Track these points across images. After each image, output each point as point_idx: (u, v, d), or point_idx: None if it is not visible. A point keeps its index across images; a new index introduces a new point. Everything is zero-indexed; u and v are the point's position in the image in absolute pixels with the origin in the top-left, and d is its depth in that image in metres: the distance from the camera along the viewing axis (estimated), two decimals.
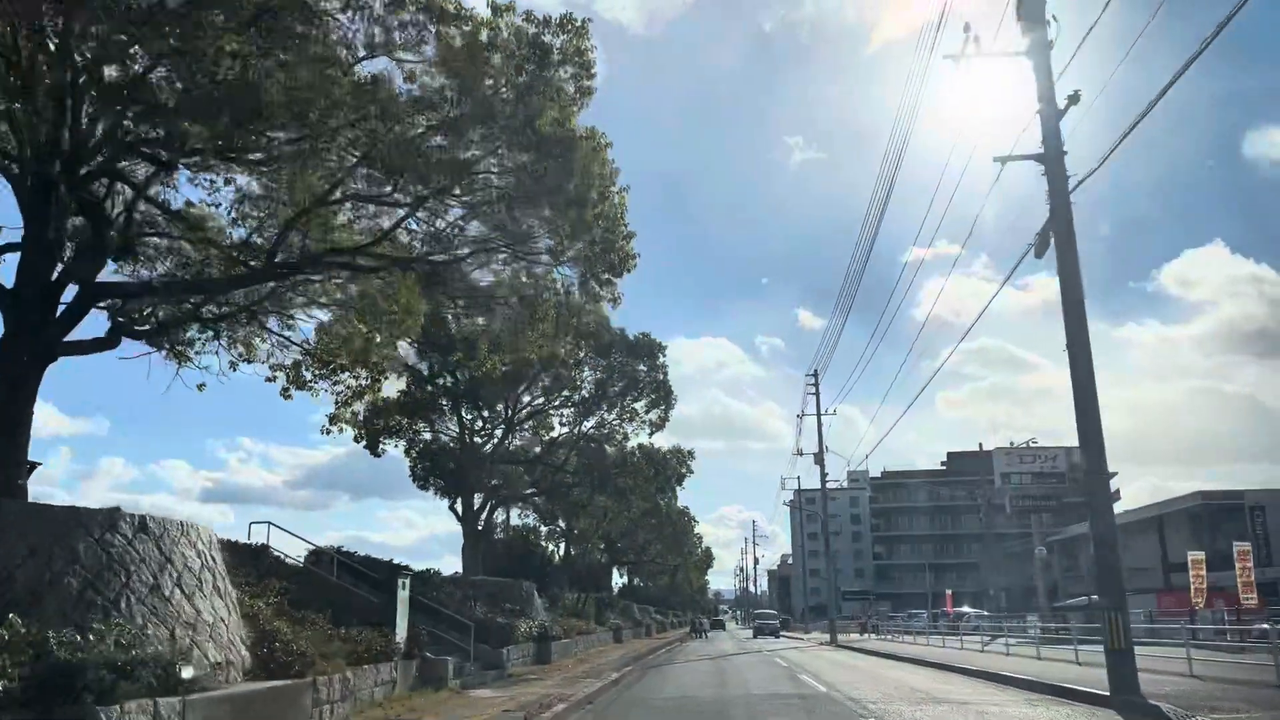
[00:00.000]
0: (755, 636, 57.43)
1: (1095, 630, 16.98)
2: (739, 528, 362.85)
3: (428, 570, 24.14)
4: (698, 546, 77.41)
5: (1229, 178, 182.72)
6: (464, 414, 29.40)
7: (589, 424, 31.18)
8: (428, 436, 29.58)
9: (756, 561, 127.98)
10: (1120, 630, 14.34)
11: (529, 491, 31.09)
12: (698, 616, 78.37)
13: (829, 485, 55.60)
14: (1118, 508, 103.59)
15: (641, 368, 30.44)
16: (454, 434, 29.52)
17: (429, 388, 28.52)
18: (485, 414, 29.92)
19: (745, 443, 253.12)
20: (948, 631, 44.30)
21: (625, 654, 31.70)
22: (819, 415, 54.53)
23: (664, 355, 30.90)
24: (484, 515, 29.97)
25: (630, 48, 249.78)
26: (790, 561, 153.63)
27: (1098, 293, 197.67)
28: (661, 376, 30.75)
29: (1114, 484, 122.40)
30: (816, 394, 54.93)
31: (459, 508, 29.12)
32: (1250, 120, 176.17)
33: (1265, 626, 28.51)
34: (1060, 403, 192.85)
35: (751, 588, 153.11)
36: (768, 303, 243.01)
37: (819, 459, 54.62)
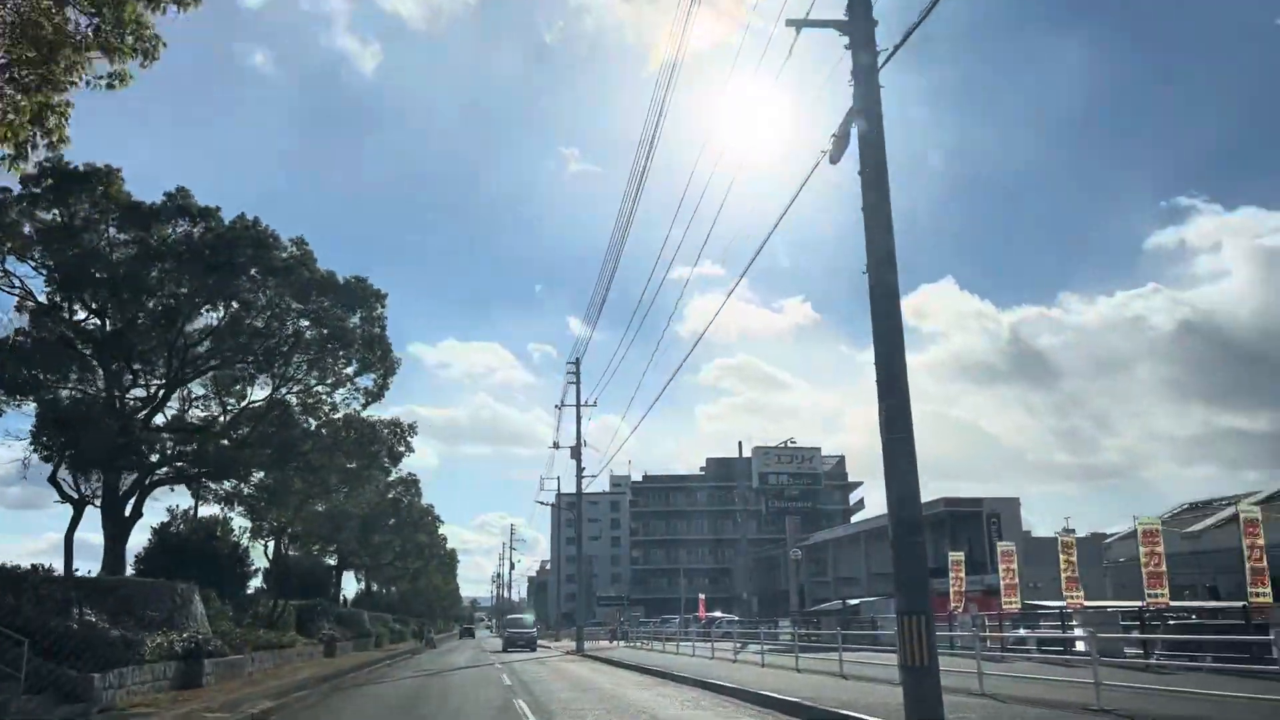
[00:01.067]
0: (506, 649, 49.80)
1: (854, 637, 13.73)
2: (503, 534, 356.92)
3: (14, 567, 17.83)
4: (441, 548, 71.38)
5: (960, 219, 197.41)
6: (109, 366, 22.68)
7: (284, 390, 25.11)
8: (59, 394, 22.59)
9: (512, 566, 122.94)
10: (923, 641, 10.67)
11: (195, 471, 24.59)
12: (428, 626, 71.95)
13: (589, 490, 52.00)
14: (862, 515, 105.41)
15: (355, 320, 24.78)
16: (92, 392, 22.70)
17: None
18: (137, 367, 23.32)
19: (513, 449, 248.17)
20: (699, 638, 42.21)
21: (321, 672, 26.04)
22: (579, 406, 50.70)
23: (383, 306, 25.41)
24: (133, 501, 23.38)
25: (410, 40, 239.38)
26: (549, 567, 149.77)
27: (844, 321, 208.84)
28: (379, 330, 25.21)
29: (859, 495, 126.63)
30: (577, 383, 51.06)
31: (88, 490, 22.51)
32: (978, 168, 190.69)
33: (1023, 632, 26.89)
34: (808, 422, 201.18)
35: (509, 594, 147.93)
36: (541, 309, 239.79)
37: (576, 453, 50.70)
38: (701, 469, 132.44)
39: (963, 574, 30.71)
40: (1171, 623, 21.30)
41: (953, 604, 30.88)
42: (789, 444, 54.73)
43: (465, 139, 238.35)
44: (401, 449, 30.46)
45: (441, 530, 72.12)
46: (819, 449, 56.86)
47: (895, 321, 11.86)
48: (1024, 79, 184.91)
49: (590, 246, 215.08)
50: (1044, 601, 31.69)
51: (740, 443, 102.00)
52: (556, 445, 51.41)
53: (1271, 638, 15.50)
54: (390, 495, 55.05)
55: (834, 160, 12.68)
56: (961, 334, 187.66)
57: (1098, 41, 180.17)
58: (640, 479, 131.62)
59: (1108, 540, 52.65)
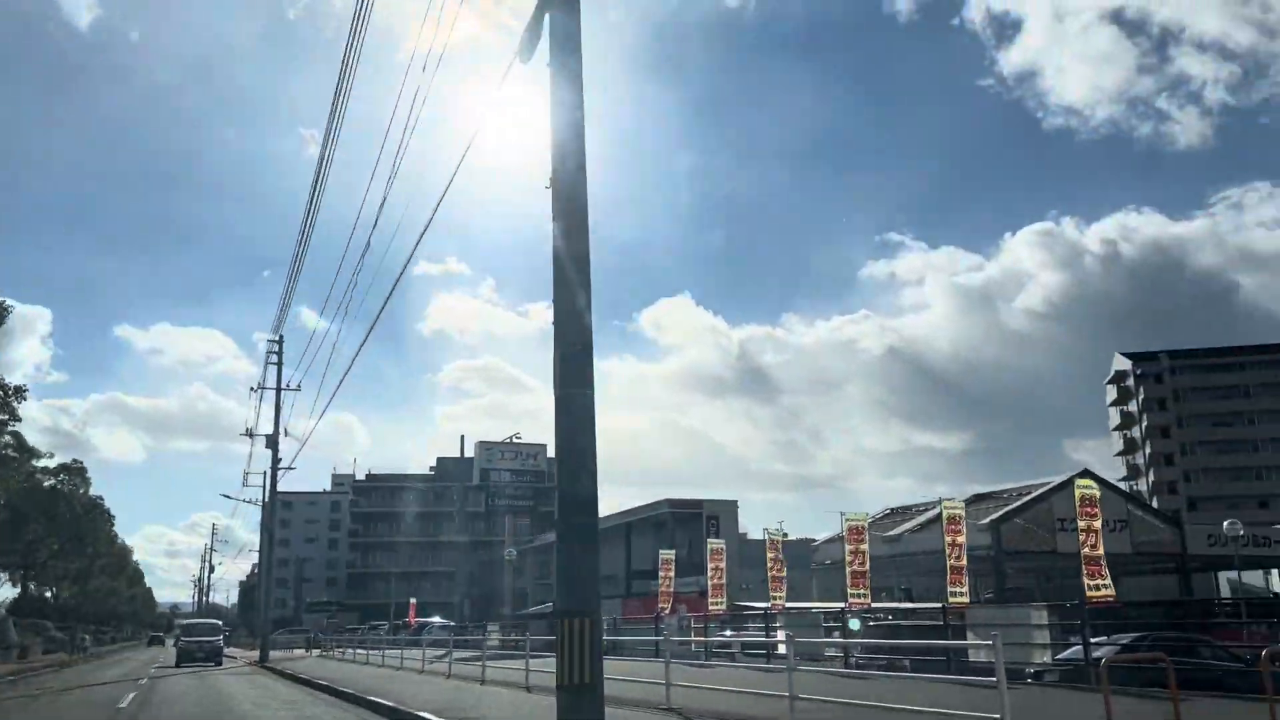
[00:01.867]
0: (181, 662, 40.11)
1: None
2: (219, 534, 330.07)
3: None
4: (109, 545, 62.96)
5: (701, 237, 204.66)
6: None
7: None
8: None
9: (212, 569, 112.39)
10: (585, 652, 8.30)
11: None
12: (81, 635, 62.97)
13: (306, 489, 47.17)
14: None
15: None
16: None
17: None
18: None
19: (233, 445, 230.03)
20: (409, 645, 38.90)
21: None
22: (279, 389, 45.73)
23: None
24: None
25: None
26: (259, 570, 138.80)
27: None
28: None
29: None
30: (279, 363, 46.03)
31: None
32: (719, 189, 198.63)
33: (729, 634, 25.74)
34: (549, 425, 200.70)
35: (210, 599, 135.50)
36: (270, 297, 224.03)
37: (272, 442, 45.63)
38: (431, 469, 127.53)
39: (672, 573, 29.44)
40: (871, 624, 20.63)
41: (661, 605, 29.51)
42: (514, 439, 52.31)
43: (194, 106, 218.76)
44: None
45: (113, 527, 63.44)
46: (545, 445, 54.88)
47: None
48: (765, 108, 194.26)
49: (325, 232, 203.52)
50: (752, 603, 30.99)
51: (463, 437, 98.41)
52: (250, 433, 46.04)
53: (969, 640, 14.64)
54: (48, 484, 47.39)
55: (524, 60, 10.22)
56: (696, 347, 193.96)
57: (827, 80, 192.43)
58: (364, 478, 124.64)
59: (816, 544, 54.01)
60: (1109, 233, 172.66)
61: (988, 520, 43.38)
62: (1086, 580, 15.99)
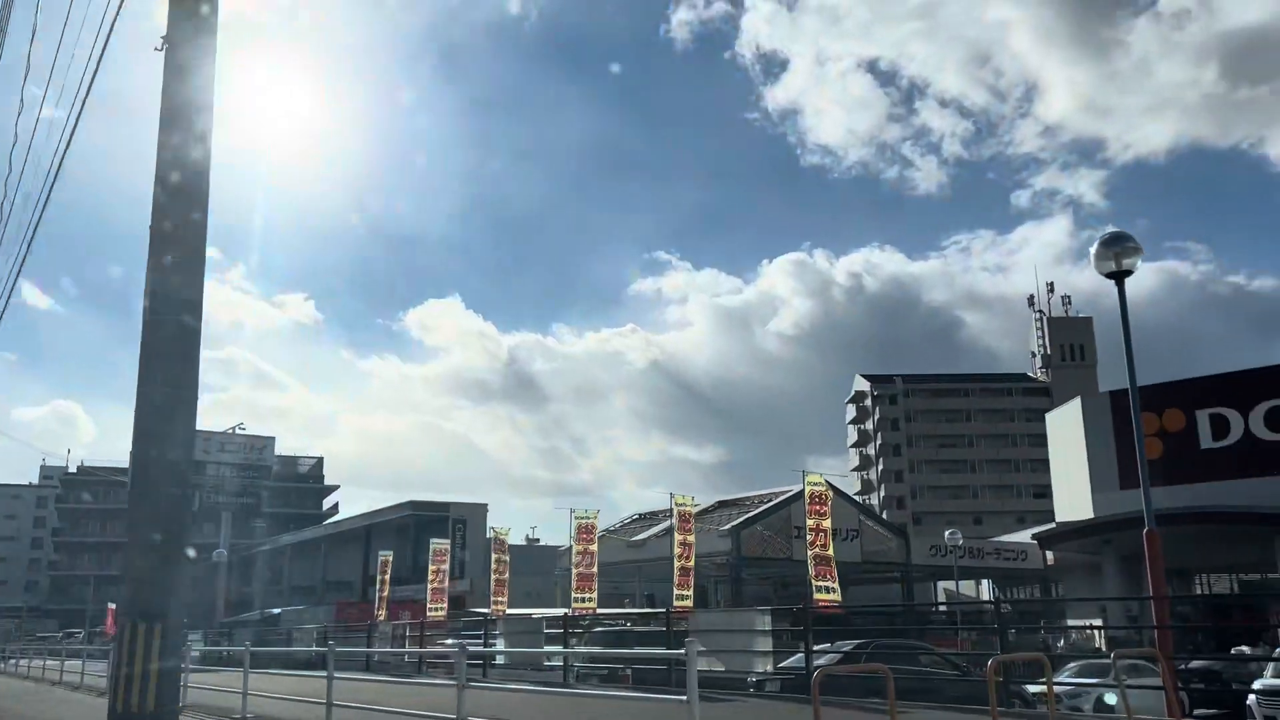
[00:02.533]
0: None
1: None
2: None
3: None
4: None
5: (475, 239, 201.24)
6: None
7: None
8: None
9: None
10: (145, 672, 6.00)
11: None
12: None
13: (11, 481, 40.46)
14: (333, 521, 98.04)
15: None
16: None
17: None
18: None
19: None
20: (95, 656, 34.04)
21: None
22: None
23: None
24: None
25: None
26: None
27: (348, 324, 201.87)
28: None
29: (334, 499, 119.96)
30: None
31: None
32: (497, 192, 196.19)
33: (450, 643, 23.53)
34: (298, 425, 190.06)
35: None
36: None
37: None
38: None
39: (388, 576, 26.91)
40: (597, 630, 19.15)
41: (377, 612, 26.88)
42: (236, 430, 47.60)
43: None
44: None
45: None
46: (274, 438, 50.58)
47: None
48: (542, 117, 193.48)
49: (55, 203, 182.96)
50: (478, 609, 28.91)
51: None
52: None
53: (684, 652, 13.31)
54: None
55: None
56: (464, 351, 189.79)
57: (604, 97, 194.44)
58: (74, 471, 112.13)
59: (562, 549, 52.65)
60: (855, 266, 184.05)
61: (729, 526, 43.63)
62: (814, 582, 15.25)
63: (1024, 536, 50.63)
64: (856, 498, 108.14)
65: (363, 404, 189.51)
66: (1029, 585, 52.86)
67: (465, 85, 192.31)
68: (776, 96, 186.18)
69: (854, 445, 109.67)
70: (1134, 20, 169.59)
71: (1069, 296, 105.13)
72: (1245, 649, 33.55)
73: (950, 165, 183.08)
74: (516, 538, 74.87)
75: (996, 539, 57.47)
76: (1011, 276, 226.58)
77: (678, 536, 19.28)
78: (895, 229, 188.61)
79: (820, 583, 15.43)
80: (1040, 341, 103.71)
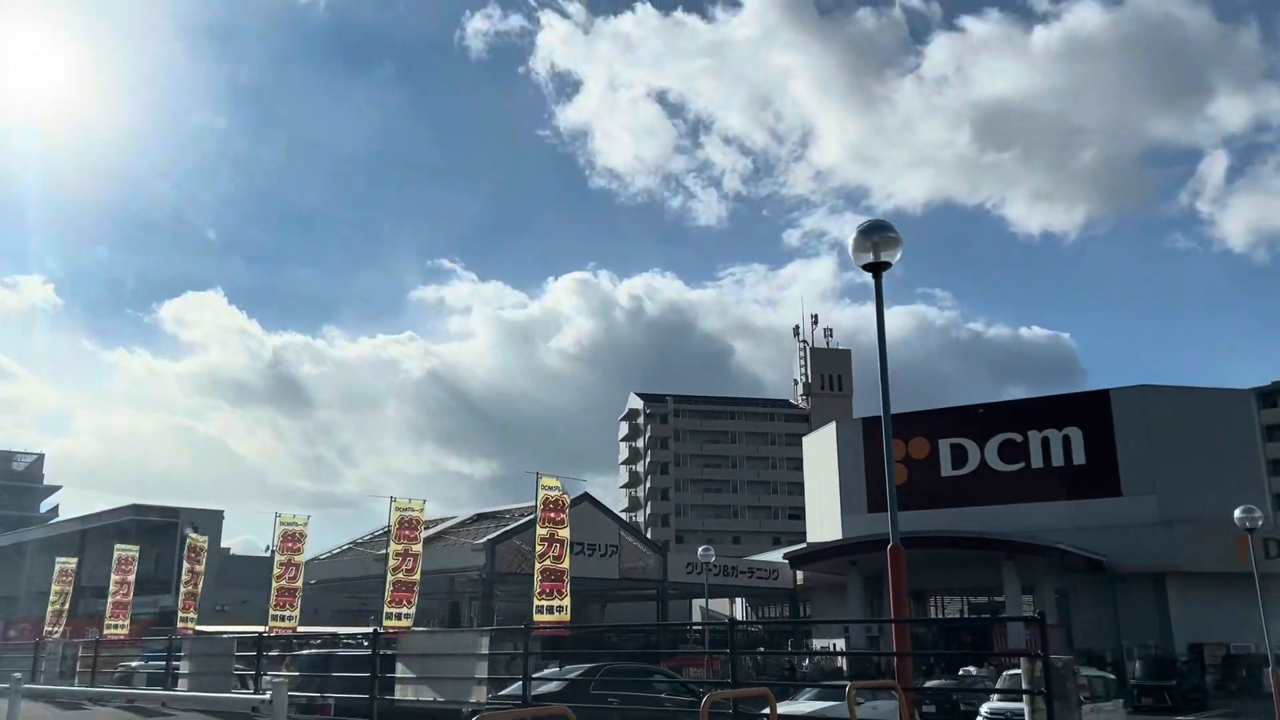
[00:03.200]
0: None
1: None
2: None
3: None
4: None
5: (245, 231, 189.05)
6: None
7: None
8: None
9: None
10: None
11: None
12: None
13: None
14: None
15: None
16: None
17: None
18: None
19: None
20: None
21: None
22: None
23: None
24: None
25: None
26: None
27: (92, 313, 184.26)
28: None
29: (54, 500, 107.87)
30: None
31: None
32: (273, 183, 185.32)
33: (136, 664, 20.29)
34: (27, 418, 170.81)
35: None
36: None
37: None
38: None
39: (69, 588, 23.09)
40: (302, 654, 16.73)
41: (48, 629, 22.96)
42: None
43: None
44: None
45: None
46: None
47: None
48: (325, 112, 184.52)
49: None
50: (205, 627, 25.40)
51: None
52: None
53: (399, 674, 11.40)
54: None
55: None
56: (222, 349, 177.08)
57: (392, 98, 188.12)
58: None
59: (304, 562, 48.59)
60: (637, 289, 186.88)
61: (484, 540, 41.65)
62: (538, 599, 13.62)
63: (777, 556, 51.56)
64: (624, 514, 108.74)
65: (104, 400, 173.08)
66: (780, 604, 53.87)
67: (241, 68, 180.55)
68: (568, 116, 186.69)
69: (625, 462, 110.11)
70: (901, 80, 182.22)
71: (831, 330, 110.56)
72: (973, 670, 34.94)
73: (730, 200, 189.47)
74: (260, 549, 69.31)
75: (750, 558, 58.43)
76: (780, 310, 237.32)
77: (396, 546, 17.17)
78: (676, 256, 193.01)
79: (545, 600, 13.82)
80: (802, 370, 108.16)
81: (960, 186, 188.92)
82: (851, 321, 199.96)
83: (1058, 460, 45.32)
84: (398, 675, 12.61)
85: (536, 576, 14.11)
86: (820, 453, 53.93)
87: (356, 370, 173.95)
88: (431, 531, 49.32)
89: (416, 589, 16.99)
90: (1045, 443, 45.70)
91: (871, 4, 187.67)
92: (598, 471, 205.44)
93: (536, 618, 13.55)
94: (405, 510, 18.00)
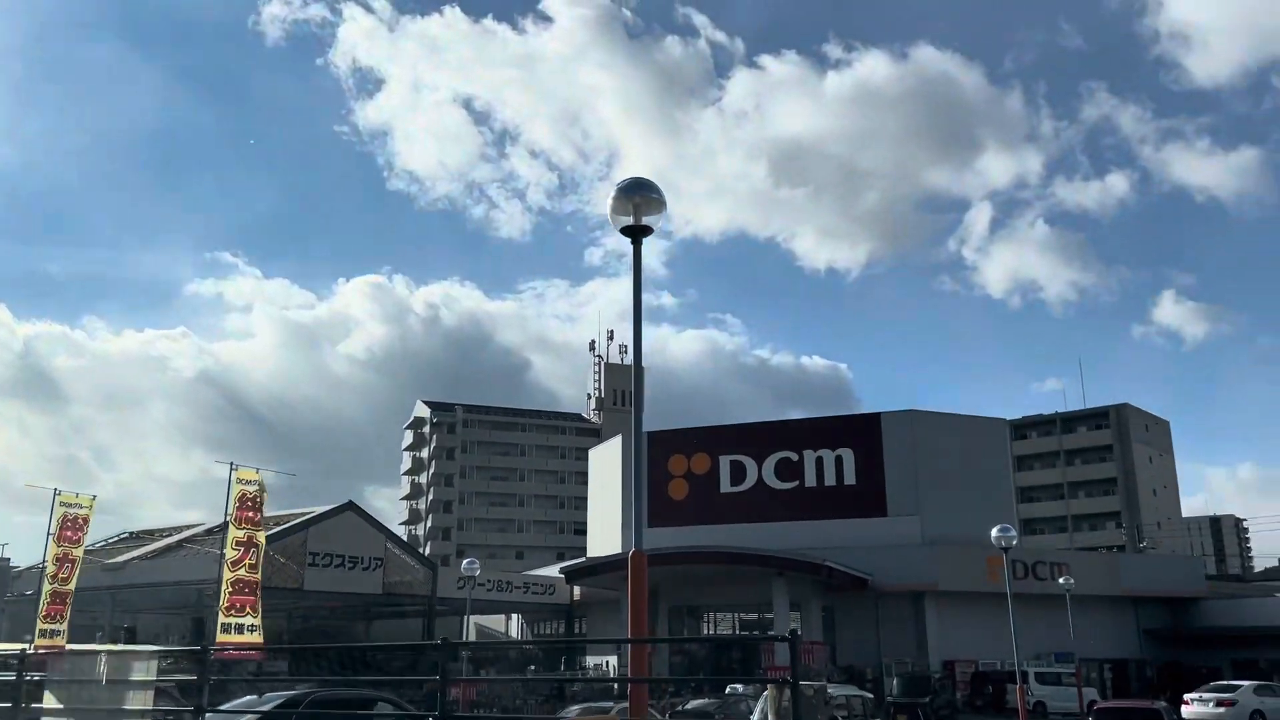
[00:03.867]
0: None
1: None
2: None
3: None
4: None
5: None
6: None
7: None
8: None
9: None
10: None
11: None
12: None
13: None
14: None
15: None
16: None
17: None
18: None
19: None
20: None
21: None
22: None
23: None
24: None
25: None
26: None
27: None
28: None
29: None
30: None
31: None
32: (21, 156, 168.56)
33: None
34: None
35: None
36: None
37: None
38: None
39: None
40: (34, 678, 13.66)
41: None
42: None
43: None
44: None
45: None
46: None
47: None
48: (108, 85, 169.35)
49: None
50: None
51: None
52: None
53: (45, 702, 9.07)
54: None
55: None
56: None
57: (172, 79, 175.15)
58: None
59: (17, 569, 42.91)
60: (434, 297, 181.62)
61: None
62: (224, 616, 11.43)
63: (554, 571, 50.22)
64: (404, 528, 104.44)
65: None
66: (556, 621, 52.48)
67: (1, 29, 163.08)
68: (369, 114, 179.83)
69: (407, 473, 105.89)
70: (704, 111, 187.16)
71: (625, 346, 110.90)
72: (739, 688, 34.67)
73: (534, 213, 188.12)
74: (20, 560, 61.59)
75: (527, 573, 56.83)
76: (580, 326, 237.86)
77: (55, 549, 14.31)
78: (476, 266, 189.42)
79: (233, 617, 11.64)
80: (596, 385, 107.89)
81: (754, 219, 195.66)
82: (649, 343, 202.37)
83: (830, 480, 46.40)
84: (44, 706, 10.18)
85: (225, 589, 11.87)
86: (605, 466, 53.12)
87: (119, 366, 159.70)
88: (172, 540, 44.79)
89: (70, 600, 14.02)
90: (819, 462, 46.71)
91: (679, 33, 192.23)
92: (384, 482, 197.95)
93: (222, 637, 11.36)
94: (71, 506, 15.01)
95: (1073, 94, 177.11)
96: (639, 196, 8.58)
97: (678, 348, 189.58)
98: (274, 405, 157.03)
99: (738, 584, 43.10)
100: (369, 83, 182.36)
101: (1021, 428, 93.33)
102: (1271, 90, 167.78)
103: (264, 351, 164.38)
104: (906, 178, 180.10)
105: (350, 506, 40.14)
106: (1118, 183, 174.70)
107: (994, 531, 20.16)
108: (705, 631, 48.33)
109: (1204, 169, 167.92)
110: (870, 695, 21.79)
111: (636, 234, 8.63)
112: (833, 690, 16.98)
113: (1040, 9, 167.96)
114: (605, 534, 50.94)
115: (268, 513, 46.35)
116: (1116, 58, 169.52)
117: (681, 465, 49.08)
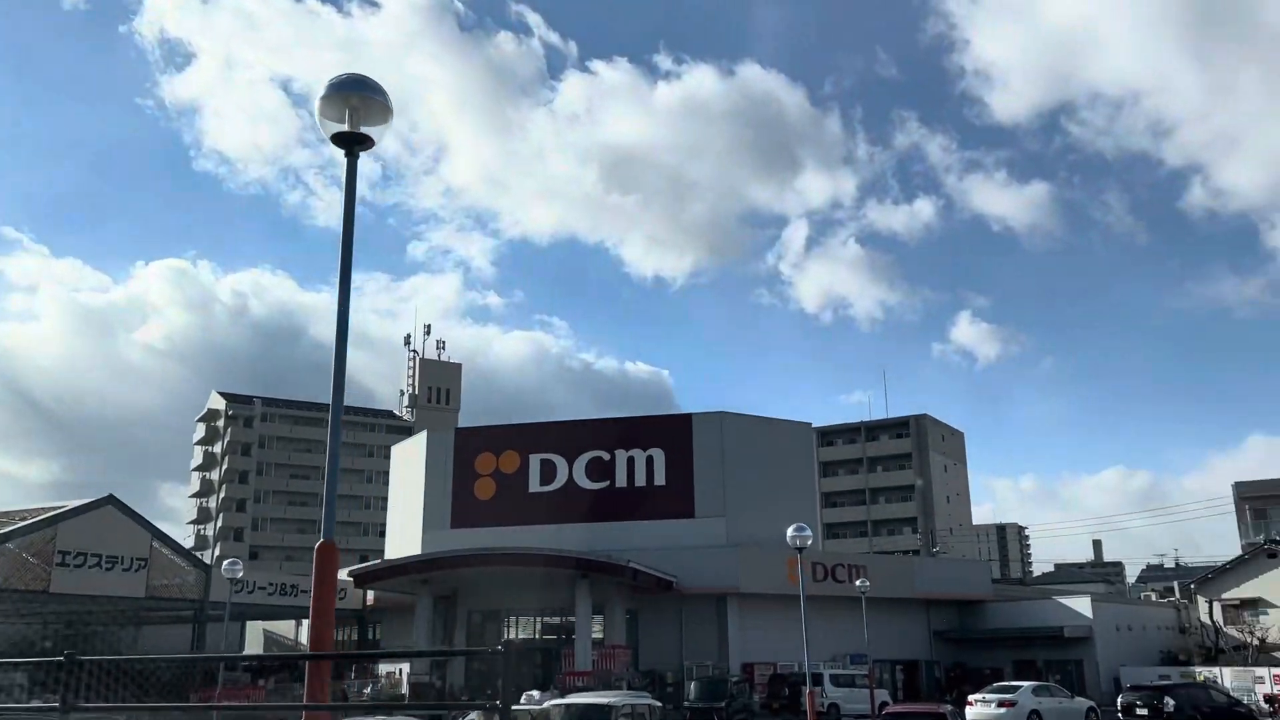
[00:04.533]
0: None
1: None
2: None
3: None
4: None
5: None
6: None
7: None
8: None
9: None
10: None
11: None
12: None
13: None
14: None
15: None
16: None
17: None
18: None
19: None
20: None
21: None
22: None
23: None
24: None
25: None
26: None
27: None
28: None
29: None
30: None
31: None
32: None
33: None
34: None
35: None
36: None
37: None
38: None
39: None
40: None
41: None
42: None
43: None
44: None
45: None
46: None
47: None
48: None
49: None
50: None
51: None
52: None
53: None
54: None
55: None
56: None
57: None
58: None
59: None
60: (243, 285, 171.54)
61: None
62: None
63: (344, 574, 47.15)
64: (192, 527, 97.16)
65: None
66: (348, 627, 49.34)
67: None
68: (176, 89, 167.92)
69: (198, 468, 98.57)
70: (535, 111, 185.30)
71: (444, 341, 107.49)
72: (535, 694, 33.13)
73: (356, 204, 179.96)
74: None
75: None
76: (400, 322, 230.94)
77: None
78: (290, 255, 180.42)
79: None
80: (410, 381, 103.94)
81: (584, 223, 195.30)
82: (473, 342, 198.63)
83: (641, 480, 45.59)
84: None
85: None
86: (408, 464, 50.48)
87: None
88: None
89: None
90: (631, 462, 45.83)
91: (512, 29, 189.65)
92: (181, 480, 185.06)
93: None
94: None
95: (886, 120, 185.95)
96: (357, 98, 6.90)
97: (502, 348, 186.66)
98: (61, 395, 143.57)
99: (541, 587, 41.58)
100: (178, 55, 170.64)
101: (828, 434, 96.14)
102: (1061, 130, 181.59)
103: (50, 336, 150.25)
104: (731, 192, 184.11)
105: (110, 500, 36.11)
106: (924, 208, 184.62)
107: (789, 530, 19.45)
108: (506, 636, 46.50)
109: (1001, 200, 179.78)
110: (658, 703, 20.69)
111: (352, 144, 6.93)
112: (614, 699, 15.69)
113: (860, 36, 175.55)
114: (406, 535, 48.35)
115: (27, 506, 41.37)
116: (927, 90, 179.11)
117: (490, 464, 47.13)
